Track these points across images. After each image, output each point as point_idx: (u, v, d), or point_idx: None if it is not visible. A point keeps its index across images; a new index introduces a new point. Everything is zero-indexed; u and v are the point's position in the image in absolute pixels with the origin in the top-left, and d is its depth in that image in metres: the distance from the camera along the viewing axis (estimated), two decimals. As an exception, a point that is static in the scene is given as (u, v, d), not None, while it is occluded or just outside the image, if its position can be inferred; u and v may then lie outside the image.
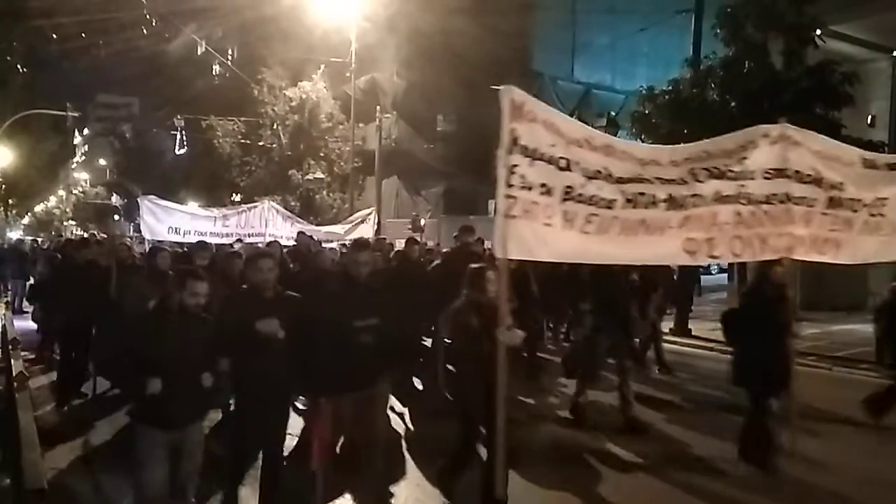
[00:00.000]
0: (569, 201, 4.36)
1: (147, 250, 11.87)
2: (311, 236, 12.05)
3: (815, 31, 12.92)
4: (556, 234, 4.33)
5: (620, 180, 4.56)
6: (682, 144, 4.98)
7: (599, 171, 4.47)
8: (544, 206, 4.24)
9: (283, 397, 4.77)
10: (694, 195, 4.79)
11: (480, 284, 4.84)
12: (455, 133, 28.24)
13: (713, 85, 13.15)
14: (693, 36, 12.97)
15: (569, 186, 4.36)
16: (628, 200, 4.58)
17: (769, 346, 5.53)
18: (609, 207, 4.51)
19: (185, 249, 11.24)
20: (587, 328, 7.59)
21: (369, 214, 15.62)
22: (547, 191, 4.26)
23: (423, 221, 22.75)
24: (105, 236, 19.23)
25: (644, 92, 13.77)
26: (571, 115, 20.80)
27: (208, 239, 12.57)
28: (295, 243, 11.41)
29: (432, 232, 22.44)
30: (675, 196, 4.73)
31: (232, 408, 5.45)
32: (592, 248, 4.53)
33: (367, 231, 15.09)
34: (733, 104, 12.91)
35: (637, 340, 9.02)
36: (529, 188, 4.17)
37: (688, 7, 15.00)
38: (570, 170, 4.37)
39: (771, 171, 5.20)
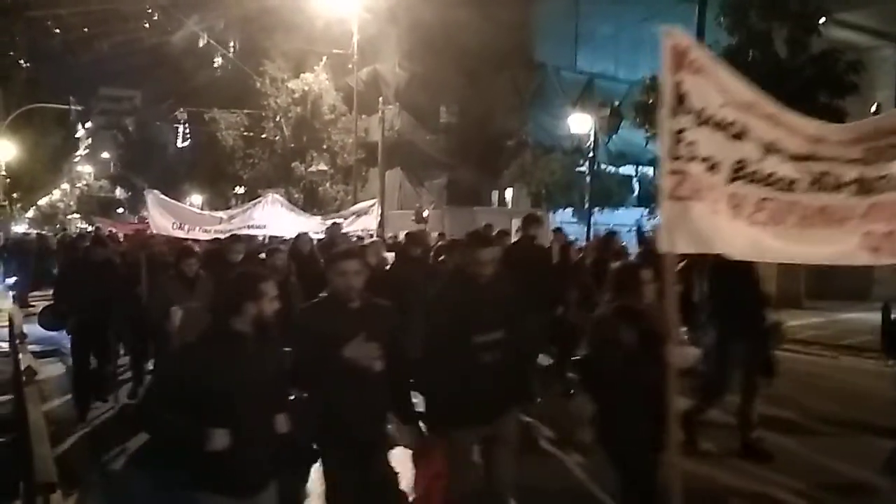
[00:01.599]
0: (738, 181, 3.40)
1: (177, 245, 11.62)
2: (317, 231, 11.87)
3: (819, 19, 12.86)
4: (723, 225, 3.38)
5: (796, 157, 3.57)
6: (844, 124, 4.03)
7: (773, 144, 3.49)
8: (709, 187, 3.32)
9: (382, 439, 3.72)
10: (882, 177, 3.72)
11: (633, 287, 3.76)
12: (458, 124, 28.19)
13: (717, 74, 13.11)
14: (697, 25, 12.88)
15: (740, 161, 3.39)
16: (813, 182, 3.56)
17: None
18: (789, 190, 3.52)
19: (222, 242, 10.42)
20: (708, 336, 6.04)
21: (372, 206, 15.60)
22: (712, 166, 3.33)
23: (426, 213, 22.76)
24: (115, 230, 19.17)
25: (648, 82, 13.72)
26: (575, 106, 20.48)
27: (212, 235, 12.61)
28: (323, 238, 10.94)
29: (436, 223, 22.44)
30: (866, 178, 3.64)
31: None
32: (765, 244, 3.50)
33: (370, 223, 15.07)
34: (737, 93, 12.88)
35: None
36: (699, 160, 3.28)
37: (691, -4, 14.95)
38: (742, 139, 3.38)
39: None
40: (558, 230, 11.18)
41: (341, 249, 4.02)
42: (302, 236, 9.23)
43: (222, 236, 12.72)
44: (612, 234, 9.46)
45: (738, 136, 3.36)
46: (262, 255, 7.74)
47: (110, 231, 19.00)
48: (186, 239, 12.65)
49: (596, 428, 3.91)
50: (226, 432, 2.95)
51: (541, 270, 7.59)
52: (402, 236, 18.44)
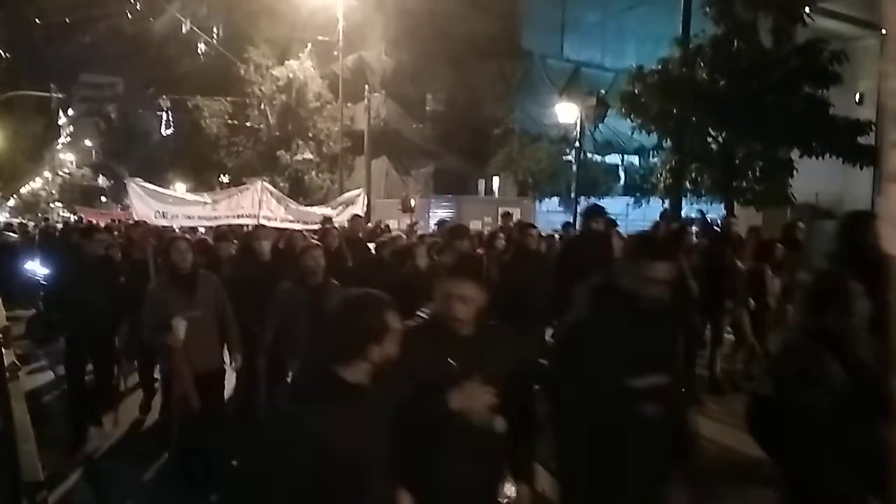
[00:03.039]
0: None
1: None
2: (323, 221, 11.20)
3: (804, 8, 12.91)
4: None
5: None
6: None
7: None
8: None
9: None
10: None
11: (841, 305, 2.75)
12: (444, 112, 28.13)
13: (702, 64, 13.13)
14: (682, 14, 12.92)
15: None
16: None
17: None
18: None
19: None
20: None
21: (358, 195, 15.52)
22: None
23: (413, 201, 22.71)
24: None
25: (633, 72, 13.74)
26: (561, 95, 20.47)
27: (196, 223, 12.29)
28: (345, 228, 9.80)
29: (422, 212, 22.42)
30: None
31: None
32: None
33: (356, 212, 15.00)
34: (722, 83, 12.92)
35: None
36: None
37: (677, -16, 14.93)
38: None
39: None
40: (612, 223, 9.64)
41: (457, 259, 2.91)
42: (330, 230, 7.92)
43: (208, 223, 12.52)
44: (685, 226, 8.20)
45: None
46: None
47: (90, 221, 18.77)
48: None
49: (787, 497, 2.83)
50: None
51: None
52: (393, 225, 18.34)
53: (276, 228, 11.36)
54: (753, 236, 8.52)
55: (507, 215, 12.46)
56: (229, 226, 11.99)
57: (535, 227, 7.86)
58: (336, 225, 12.73)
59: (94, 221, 18.93)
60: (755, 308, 7.43)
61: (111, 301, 6.02)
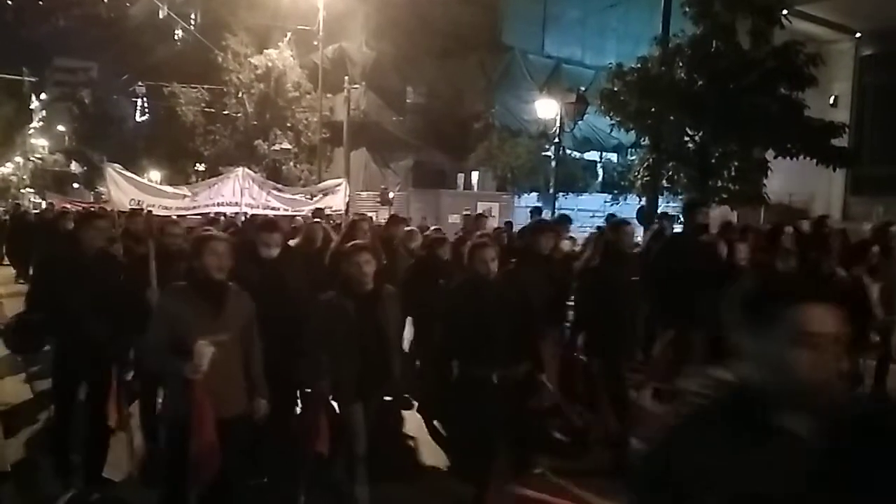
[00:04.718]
0: None
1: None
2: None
3: (782, 11, 13.07)
4: None
5: None
6: None
7: None
8: None
9: None
10: None
11: None
12: (425, 106, 28.06)
13: (681, 63, 13.24)
14: (662, 13, 13.02)
15: None
16: None
17: None
18: None
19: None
20: None
21: (339, 185, 15.38)
22: None
23: (391, 194, 22.66)
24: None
25: (613, 69, 13.81)
26: (541, 91, 20.47)
27: (173, 213, 12.04)
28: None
29: (401, 205, 22.38)
30: None
31: None
32: None
33: (337, 202, 14.87)
34: (700, 83, 13.04)
35: None
36: None
37: (658, -17, 15.02)
38: None
39: None
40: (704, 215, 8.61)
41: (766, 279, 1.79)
42: (359, 222, 6.69)
43: (186, 213, 12.24)
44: (779, 228, 7.43)
45: None
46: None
47: (63, 207, 18.38)
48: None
49: None
50: None
51: (711, 276, 5.65)
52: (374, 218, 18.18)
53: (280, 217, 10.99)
54: (839, 239, 7.76)
55: (537, 210, 12.43)
56: (254, 217, 11.60)
57: (629, 223, 6.08)
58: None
59: (66, 207, 18.53)
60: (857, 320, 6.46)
61: (111, 307, 4.85)
